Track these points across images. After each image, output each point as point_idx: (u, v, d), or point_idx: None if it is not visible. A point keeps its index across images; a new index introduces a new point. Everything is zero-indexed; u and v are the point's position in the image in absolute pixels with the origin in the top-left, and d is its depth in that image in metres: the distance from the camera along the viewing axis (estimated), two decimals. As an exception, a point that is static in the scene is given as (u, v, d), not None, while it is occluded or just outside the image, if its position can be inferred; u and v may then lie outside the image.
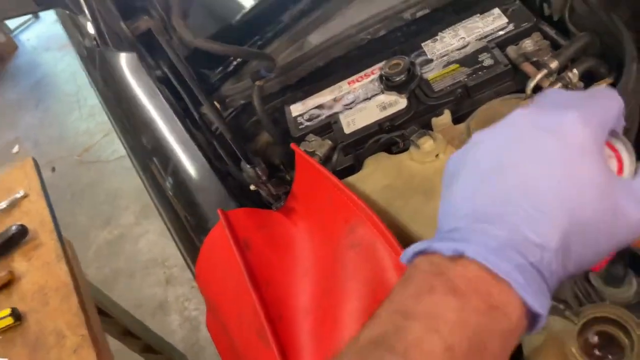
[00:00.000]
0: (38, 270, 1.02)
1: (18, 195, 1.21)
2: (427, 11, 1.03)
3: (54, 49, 4.37)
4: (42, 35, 4.69)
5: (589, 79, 0.80)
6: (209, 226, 0.85)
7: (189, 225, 0.99)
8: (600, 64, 0.79)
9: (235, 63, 1.16)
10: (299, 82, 1.08)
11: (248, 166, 0.82)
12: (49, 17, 4.77)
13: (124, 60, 1.20)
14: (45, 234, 1.10)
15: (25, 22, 4.90)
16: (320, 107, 1.02)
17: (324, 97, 1.03)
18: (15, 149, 3.61)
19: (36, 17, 4.87)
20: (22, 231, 1.12)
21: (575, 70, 0.77)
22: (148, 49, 1.08)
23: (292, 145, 0.82)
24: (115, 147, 3.26)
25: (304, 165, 0.81)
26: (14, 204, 1.19)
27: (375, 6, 1.05)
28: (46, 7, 1.39)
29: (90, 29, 1.35)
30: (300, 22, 1.12)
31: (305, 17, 1.12)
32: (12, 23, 4.78)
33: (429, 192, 0.79)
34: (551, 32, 0.92)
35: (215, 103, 1.00)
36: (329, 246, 0.72)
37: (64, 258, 1.03)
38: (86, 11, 1.32)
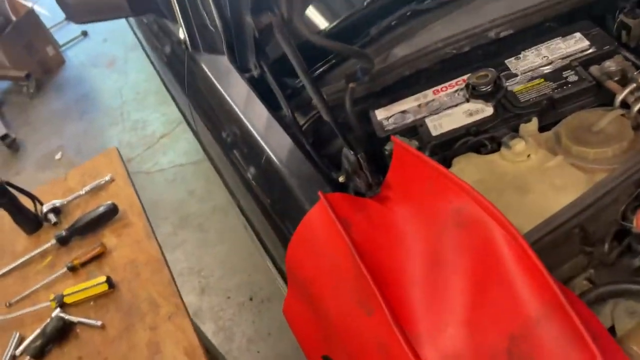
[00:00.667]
0: (129, 246, 1.08)
1: (106, 179, 1.28)
2: (511, 32, 1.11)
3: (102, 66, 4.55)
4: (89, 52, 4.89)
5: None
6: (306, 208, 0.90)
7: (276, 210, 1.04)
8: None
9: (317, 73, 1.23)
10: (384, 90, 1.16)
11: (351, 152, 0.89)
12: (97, 36, 4.98)
13: (217, 62, 1.28)
14: (135, 215, 1.17)
15: (73, 39, 5.11)
16: (405, 112, 1.09)
17: (408, 103, 1.10)
18: (58, 155, 3.72)
19: (85, 35, 5.09)
20: (114, 209, 1.18)
21: (662, 86, 0.83)
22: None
23: (393, 137, 0.89)
24: (157, 160, 3.35)
25: (403, 154, 0.86)
26: (101, 187, 1.26)
27: (461, 24, 1.13)
28: (141, 13, 1.50)
29: (181, 34, 1.45)
30: (386, 35, 1.21)
31: (391, 32, 1.21)
32: (61, 38, 4.99)
33: (522, 188, 0.84)
34: (630, 56, 0.99)
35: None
36: (432, 227, 0.77)
37: (153, 237, 1.09)
38: (179, 17, 1.42)
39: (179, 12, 1.40)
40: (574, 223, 0.76)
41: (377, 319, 0.72)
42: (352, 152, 0.89)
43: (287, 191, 1.01)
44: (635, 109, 0.84)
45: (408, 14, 1.20)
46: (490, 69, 1.03)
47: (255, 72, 1.16)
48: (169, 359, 0.87)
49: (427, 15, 1.19)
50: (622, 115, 0.86)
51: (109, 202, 1.19)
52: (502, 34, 1.11)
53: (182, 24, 1.41)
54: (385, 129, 1.08)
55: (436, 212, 0.77)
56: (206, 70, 1.33)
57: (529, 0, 1.12)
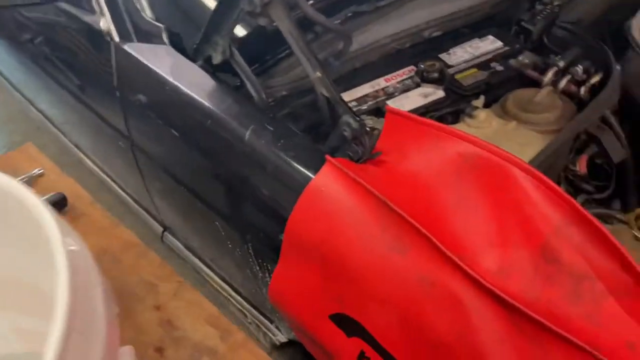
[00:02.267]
0: (94, 235, 0.97)
1: (34, 173, 1.12)
2: (440, 33, 1.32)
3: None
4: None
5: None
6: (309, 175, 0.93)
7: (264, 192, 1.03)
8: (591, 65, 1.13)
9: (271, 62, 1.29)
10: (337, 80, 1.26)
11: (351, 119, 0.96)
12: None
13: (162, 52, 1.24)
14: (86, 205, 1.05)
15: None
16: (365, 96, 1.22)
17: (365, 90, 1.23)
18: None
19: None
20: (61, 200, 1.04)
21: (580, 66, 1.10)
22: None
23: (387, 106, 0.99)
24: None
25: (395, 120, 0.96)
26: (30, 182, 1.10)
27: (399, 25, 1.31)
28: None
29: (103, 23, 1.36)
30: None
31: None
32: None
33: (495, 146, 1.02)
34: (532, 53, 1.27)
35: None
36: (444, 175, 0.88)
37: (120, 223, 1.00)
38: (104, 8, 1.34)
39: (106, 3, 1.33)
40: (542, 169, 0.95)
41: (413, 254, 0.79)
42: (355, 118, 0.97)
43: (277, 168, 1.02)
44: (561, 85, 1.10)
45: (349, 14, 1.34)
46: (436, 57, 1.22)
47: (219, 58, 1.17)
48: (192, 332, 0.82)
49: (366, 17, 1.35)
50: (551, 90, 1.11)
51: (54, 193, 1.06)
52: (434, 34, 1.31)
53: (106, 11, 1.32)
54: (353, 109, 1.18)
55: (443, 162, 0.88)
56: (148, 60, 1.26)
57: (449, 8, 1.34)
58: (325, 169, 0.92)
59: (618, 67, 1.07)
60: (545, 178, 0.78)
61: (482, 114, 1.06)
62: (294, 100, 1.22)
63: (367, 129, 0.97)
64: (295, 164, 1.03)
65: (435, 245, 0.76)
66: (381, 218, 0.83)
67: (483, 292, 0.70)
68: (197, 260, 1.44)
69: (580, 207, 0.75)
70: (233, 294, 1.38)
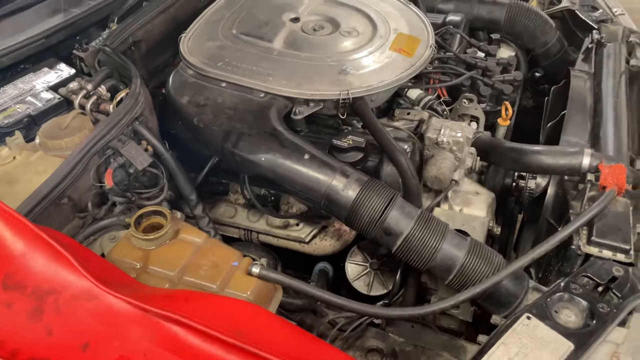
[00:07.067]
0: None
1: None
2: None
3: None
4: None
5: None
6: None
7: None
8: (118, 82, 1.19)
9: None
10: None
11: None
12: None
13: None
14: None
15: None
16: None
17: None
18: None
19: None
20: None
21: (103, 85, 1.15)
22: None
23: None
24: None
25: None
26: None
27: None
28: None
29: None
30: None
31: None
32: None
33: (11, 180, 1.01)
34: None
35: None
36: None
37: None
38: None
39: None
40: (57, 194, 0.96)
41: None
42: None
43: None
44: (88, 107, 1.13)
45: None
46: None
47: None
48: None
49: None
50: (82, 113, 1.13)
51: None
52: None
53: None
54: None
55: None
56: None
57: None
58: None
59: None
60: (6, 207, 0.78)
61: (3, 151, 1.04)
62: None
63: None
64: None
65: None
66: None
67: None
68: None
69: (42, 232, 0.77)
70: None
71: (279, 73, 1.23)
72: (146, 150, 1.08)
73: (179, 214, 1.05)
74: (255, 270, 0.85)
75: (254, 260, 0.90)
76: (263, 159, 1.06)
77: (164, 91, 1.29)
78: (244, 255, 0.93)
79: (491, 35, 1.80)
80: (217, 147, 1.11)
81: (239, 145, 1.08)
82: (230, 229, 1.38)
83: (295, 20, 1.43)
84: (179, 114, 1.20)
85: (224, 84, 1.21)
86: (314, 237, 1.33)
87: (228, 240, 1.35)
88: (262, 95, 1.18)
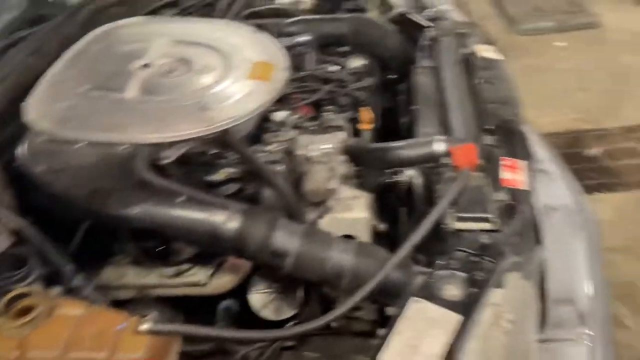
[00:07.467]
0: None
1: None
2: None
3: None
4: None
5: None
6: None
7: None
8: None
9: None
10: None
11: None
12: None
13: None
14: None
15: None
16: None
17: None
18: None
19: None
20: None
21: None
22: None
23: None
24: None
25: None
26: None
27: None
28: None
29: None
30: None
31: None
32: None
33: None
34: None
35: None
36: None
37: None
38: None
39: None
40: None
41: None
42: None
43: None
44: None
45: None
46: None
47: None
48: None
49: None
50: None
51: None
52: None
53: None
54: None
55: None
56: None
57: None
58: None
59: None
60: None
61: None
62: None
63: None
64: None
65: None
66: None
67: None
68: None
69: None
70: None
71: (137, 122, 1.20)
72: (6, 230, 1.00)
73: (55, 290, 0.98)
74: (145, 326, 0.81)
75: (143, 317, 0.86)
76: (136, 212, 1.03)
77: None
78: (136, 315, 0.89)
79: (338, 49, 1.89)
80: (83, 211, 1.05)
81: (107, 204, 1.04)
82: (122, 292, 1.31)
83: (146, 66, 1.40)
84: (37, 184, 1.13)
85: (79, 145, 1.16)
86: (211, 277, 1.30)
87: (122, 303, 1.28)
88: (123, 147, 1.14)
